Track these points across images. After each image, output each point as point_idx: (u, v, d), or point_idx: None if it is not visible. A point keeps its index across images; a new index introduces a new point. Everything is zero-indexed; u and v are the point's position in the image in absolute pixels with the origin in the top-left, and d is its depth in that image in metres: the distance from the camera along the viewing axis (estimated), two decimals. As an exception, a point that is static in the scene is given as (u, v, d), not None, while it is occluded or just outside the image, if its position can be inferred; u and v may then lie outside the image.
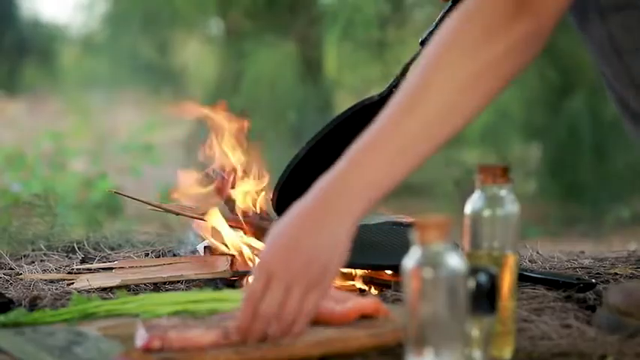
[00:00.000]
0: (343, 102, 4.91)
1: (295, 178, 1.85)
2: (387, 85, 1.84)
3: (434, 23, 1.75)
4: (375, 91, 1.89)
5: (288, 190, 1.86)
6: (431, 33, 1.76)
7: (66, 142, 4.71)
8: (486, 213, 1.36)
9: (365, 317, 1.45)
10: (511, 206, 1.36)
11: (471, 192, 1.38)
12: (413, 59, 1.80)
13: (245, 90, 5.21)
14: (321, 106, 5.15)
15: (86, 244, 2.30)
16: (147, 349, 1.30)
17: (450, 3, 1.73)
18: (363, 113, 1.82)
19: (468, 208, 1.37)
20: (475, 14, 1.26)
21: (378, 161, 1.27)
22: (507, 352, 1.37)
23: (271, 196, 1.89)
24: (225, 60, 5.68)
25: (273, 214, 1.94)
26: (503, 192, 1.37)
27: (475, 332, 1.25)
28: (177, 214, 2.03)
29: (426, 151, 1.26)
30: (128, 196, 2.03)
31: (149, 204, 2.01)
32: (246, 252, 1.92)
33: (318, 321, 1.43)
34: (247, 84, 5.25)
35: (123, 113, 5.61)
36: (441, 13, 1.74)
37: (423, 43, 1.78)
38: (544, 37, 1.27)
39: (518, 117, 4.95)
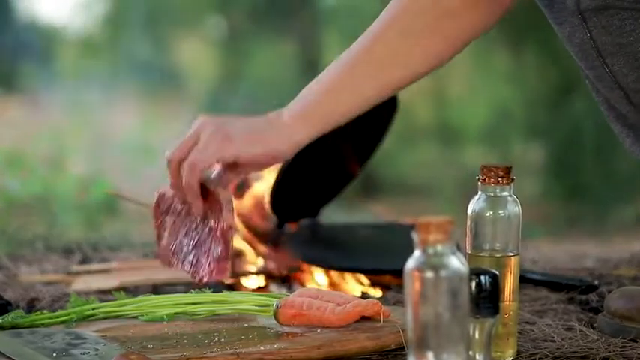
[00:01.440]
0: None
1: (290, 177, 1.84)
2: None
3: None
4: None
5: (283, 189, 1.85)
6: None
7: (65, 143, 4.71)
8: (488, 214, 1.35)
9: (365, 319, 1.44)
10: (513, 207, 1.36)
11: (472, 193, 1.38)
12: None
13: (244, 90, 5.21)
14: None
15: (85, 245, 2.29)
16: None
17: None
18: None
19: (470, 209, 1.36)
20: None
21: (326, 95, 1.41)
22: (509, 354, 1.36)
23: (267, 196, 1.88)
24: (225, 60, 5.68)
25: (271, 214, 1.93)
26: (505, 192, 1.36)
27: (477, 334, 1.24)
28: (177, 214, 2.02)
29: (370, 92, 1.41)
30: (128, 199, 2.02)
31: (148, 206, 2.00)
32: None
33: (319, 323, 1.42)
34: (247, 84, 5.25)
35: (122, 113, 5.60)
36: None
37: None
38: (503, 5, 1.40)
39: (520, 117, 4.95)
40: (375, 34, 1.42)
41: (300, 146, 1.40)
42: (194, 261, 1.46)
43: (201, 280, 1.45)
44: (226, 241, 1.42)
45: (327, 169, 1.93)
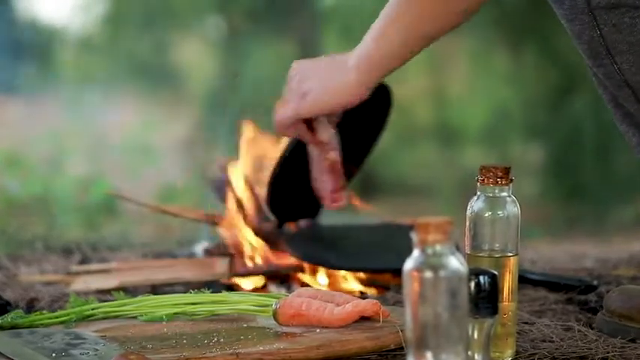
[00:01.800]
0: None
1: (288, 177, 1.84)
2: None
3: None
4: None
5: (281, 189, 1.85)
6: None
7: (64, 143, 4.70)
8: (487, 214, 1.35)
9: (365, 319, 1.44)
10: (512, 207, 1.36)
11: (471, 193, 1.38)
12: None
13: (244, 90, 5.21)
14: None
15: (84, 246, 2.29)
16: None
17: None
18: None
19: (469, 209, 1.36)
20: None
21: (375, 47, 1.57)
22: (508, 354, 1.36)
23: (265, 191, 1.88)
24: (224, 60, 5.68)
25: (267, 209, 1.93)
26: (504, 193, 1.36)
27: (476, 334, 1.24)
28: (176, 215, 2.02)
29: (410, 41, 1.55)
30: (127, 199, 2.02)
31: (147, 206, 2.00)
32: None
33: (318, 323, 1.42)
34: (246, 84, 5.25)
35: (121, 114, 5.60)
36: None
37: None
38: None
39: (520, 117, 4.95)
40: None
41: (364, 93, 1.58)
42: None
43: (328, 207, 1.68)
44: (334, 175, 1.66)
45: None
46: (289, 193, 1.88)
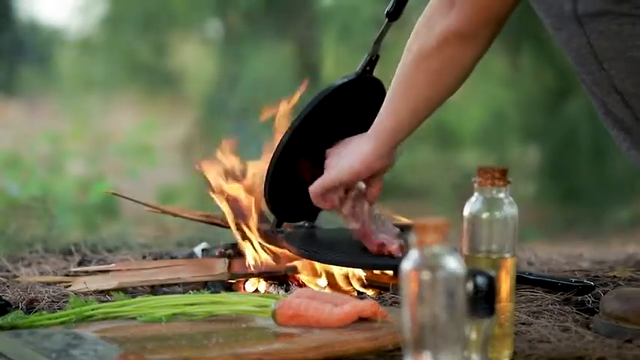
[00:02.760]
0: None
1: (283, 165, 1.84)
2: (361, 64, 1.88)
3: None
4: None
5: (277, 177, 1.85)
6: (395, 3, 1.82)
7: (63, 144, 4.70)
8: (485, 215, 1.35)
9: (363, 320, 1.45)
10: (509, 208, 1.36)
11: (469, 194, 1.38)
12: (380, 36, 1.85)
13: (243, 92, 5.21)
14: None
15: (83, 247, 2.29)
16: None
17: None
18: (342, 91, 1.84)
19: (467, 211, 1.36)
20: (426, 13, 1.65)
21: (387, 118, 1.74)
22: (506, 355, 1.36)
23: (262, 187, 1.88)
24: (223, 62, 5.68)
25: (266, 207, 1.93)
26: (501, 194, 1.36)
27: (473, 335, 1.25)
28: (175, 215, 2.03)
29: (407, 114, 1.72)
30: (127, 198, 2.03)
31: (147, 205, 2.00)
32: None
33: (316, 324, 1.43)
34: (245, 86, 5.25)
35: (120, 115, 5.59)
36: None
37: (388, 15, 1.84)
38: (471, 36, 1.60)
39: (517, 119, 4.95)
40: (401, 69, 1.70)
41: (380, 161, 1.76)
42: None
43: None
44: (365, 239, 1.83)
45: (323, 169, 1.93)
46: (287, 193, 1.89)
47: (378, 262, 1.81)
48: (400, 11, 1.82)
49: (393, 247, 1.82)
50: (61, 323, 1.51)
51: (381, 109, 1.74)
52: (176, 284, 1.89)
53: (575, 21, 1.41)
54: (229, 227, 2.01)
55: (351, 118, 1.90)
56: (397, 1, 1.81)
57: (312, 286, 1.86)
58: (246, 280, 1.89)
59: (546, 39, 1.50)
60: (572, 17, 1.41)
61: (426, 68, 1.66)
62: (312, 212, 1.98)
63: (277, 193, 1.87)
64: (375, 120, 1.75)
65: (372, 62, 1.87)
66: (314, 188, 1.80)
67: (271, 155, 1.84)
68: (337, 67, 5.21)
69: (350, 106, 1.88)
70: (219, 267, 1.89)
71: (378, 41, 1.85)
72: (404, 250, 1.82)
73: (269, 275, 1.89)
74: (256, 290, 1.88)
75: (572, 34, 1.43)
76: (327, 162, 1.80)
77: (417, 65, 1.66)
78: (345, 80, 1.87)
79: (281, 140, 1.83)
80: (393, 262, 1.79)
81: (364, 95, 1.89)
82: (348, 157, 1.77)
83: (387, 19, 1.83)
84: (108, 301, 1.73)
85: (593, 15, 1.40)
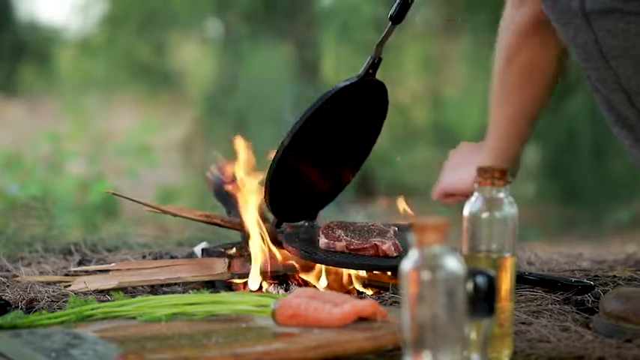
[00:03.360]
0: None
1: (284, 167, 1.85)
2: (363, 66, 1.88)
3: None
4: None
5: (279, 179, 1.86)
6: (398, 6, 1.81)
7: (63, 144, 4.71)
8: (484, 215, 1.35)
9: (363, 320, 1.45)
10: (509, 208, 1.36)
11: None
12: (383, 39, 1.84)
13: (242, 92, 5.21)
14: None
15: (83, 247, 2.29)
16: None
17: None
18: (344, 94, 1.84)
19: (467, 211, 1.37)
20: (503, 18, 1.63)
21: (492, 128, 1.72)
22: (505, 354, 1.37)
23: (264, 188, 1.89)
24: (223, 62, 5.68)
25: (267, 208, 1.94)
26: (501, 194, 1.36)
27: (473, 335, 1.25)
28: (175, 215, 2.03)
29: (505, 122, 1.71)
30: (126, 197, 2.03)
31: (147, 205, 2.00)
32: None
33: (316, 323, 1.43)
34: (244, 86, 5.25)
35: (120, 115, 5.60)
36: None
37: (391, 18, 1.83)
38: (544, 27, 1.54)
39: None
40: (494, 78, 1.69)
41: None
42: None
43: None
44: None
45: (324, 171, 1.94)
46: (288, 193, 1.89)
47: (376, 263, 1.82)
48: (403, 15, 1.82)
49: (385, 246, 1.83)
50: (61, 323, 1.51)
51: (490, 125, 1.74)
52: (176, 284, 1.89)
53: (582, 18, 1.41)
54: (229, 227, 2.01)
55: (354, 120, 1.90)
56: (400, 4, 1.81)
57: (311, 285, 1.86)
58: (247, 280, 1.89)
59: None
60: (580, 14, 1.41)
61: (512, 69, 1.63)
62: (312, 212, 1.98)
63: (278, 194, 1.87)
64: (489, 131, 1.74)
65: (374, 65, 1.87)
66: (436, 192, 1.81)
67: (272, 157, 1.85)
68: (337, 67, 5.21)
69: (352, 108, 1.89)
70: (219, 267, 1.89)
71: (381, 44, 1.86)
72: (398, 249, 1.84)
73: (269, 275, 1.88)
74: (260, 288, 1.87)
75: (578, 30, 1.43)
76: (446, 166, 1.81)
77: (505, 69, 1.64)
78: (348, 83, 1.87)
79: (282, 143, 1.84)
80: (390, 262, 1.80)
81: (367, 97, 1.89)
82: (468, 167, 1.70)
83: (390, 23, 1.83)
84: (108, 300, 1.73)
85: (601, 12, 1.40)
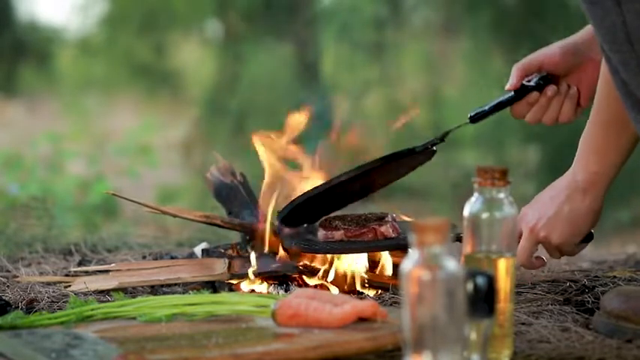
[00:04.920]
0: (340, 104, 4.91)
1: (306, 208, 1.87)
2: (424, 143, 1.87)
3: (486, 105, 1.85)
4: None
5: (293, 214, 1.88)
6: (481, 111, 1.84)
7: (63, 144, 4.71)
8: (484, 215, 1.35)
9: (363, 320, 1.45)
10: (509, 209, 1.36)
11: (469, 194, 1.38)
12: (454, 129, 1.86)
13: (242, 92, 5.21)
14: (318, 108, 5.15)
15: (83, 247, 2.29)
16: None
17: (512, 93, 1.80)
18: (393, 160, 1.85)
19: (467, 211, 1.37)
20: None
21: (587, 159, 1.68)
22: (505, 355, 1.37)
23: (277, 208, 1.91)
24: (223, 62, 5.68)
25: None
26: (501, 194, 1.36)
27: (473, 335, 1.25)
28: (175, 216, 2.03)
29: (605, 149, 1.66)
30: (126, 198, 2.03)
31: (146, 205, 2.00)
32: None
33: (316, 324, 1.43)
34: (244, 86, 5.25)
35: (120, 115, 5.61)
36: (499, 99, 1.83)
37: (471, 118, 1.85)
38: None
39: (516, 120, 4.95)
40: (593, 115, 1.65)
41: (595, 218, 1.69)
42: None
43: None
44: None
45: (347, 194, 1.96)
46: (300, 214, 1.91)
47: (375, 244, 1.84)
48: (482, 119, 1.85)
49: (383, 228, 1.85)
50: (61, 323, 1.51)
51: (580, 154, 1.70)
52: (176, 284, 1.89)
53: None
54: (229, 228, 2.02)
55: (387, 172, 1.92)
56: (484, 113, 1.84)
57: (311, 285, 1.86)
58: (246, 280, 1.89)
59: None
60: None
61: (609, 79, 1.54)
62: (315, 218, 1.99)
63: (293, 216, 1.90)
64: (577, 166, 1.70)
65: (434, 142, 1.87)
66: (522, 258, 1.69)
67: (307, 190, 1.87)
68: (336, 67, 5.21)
69: (391, 168, 1.90)
70: (219, 267, 1.89)
71: (448, 132, 1.85)
72: (397, 231, 1.86)
73: (269, 275, 1.88)
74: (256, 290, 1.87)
75: (607, 11, 1.42)
76: (526, 219, 1.71)
77: (604, 84, 1.58)
78: (408, 149, 1.87)
79: (322, 184, 1.86)
80: (389, 242, 1.84)
81: (414, 160, 1.91)
82: (567, 222, 1.69)
83: (468, 121, 1.84)
84: (108, 301, 1.73)
85: None
